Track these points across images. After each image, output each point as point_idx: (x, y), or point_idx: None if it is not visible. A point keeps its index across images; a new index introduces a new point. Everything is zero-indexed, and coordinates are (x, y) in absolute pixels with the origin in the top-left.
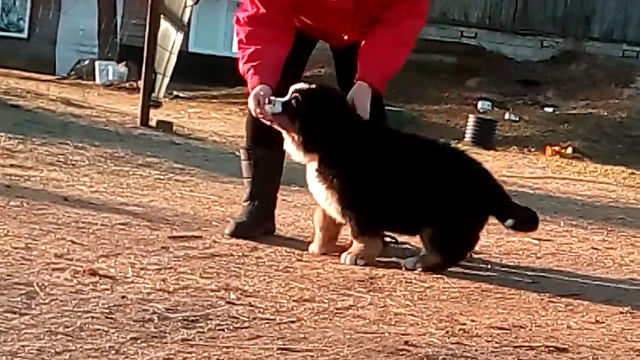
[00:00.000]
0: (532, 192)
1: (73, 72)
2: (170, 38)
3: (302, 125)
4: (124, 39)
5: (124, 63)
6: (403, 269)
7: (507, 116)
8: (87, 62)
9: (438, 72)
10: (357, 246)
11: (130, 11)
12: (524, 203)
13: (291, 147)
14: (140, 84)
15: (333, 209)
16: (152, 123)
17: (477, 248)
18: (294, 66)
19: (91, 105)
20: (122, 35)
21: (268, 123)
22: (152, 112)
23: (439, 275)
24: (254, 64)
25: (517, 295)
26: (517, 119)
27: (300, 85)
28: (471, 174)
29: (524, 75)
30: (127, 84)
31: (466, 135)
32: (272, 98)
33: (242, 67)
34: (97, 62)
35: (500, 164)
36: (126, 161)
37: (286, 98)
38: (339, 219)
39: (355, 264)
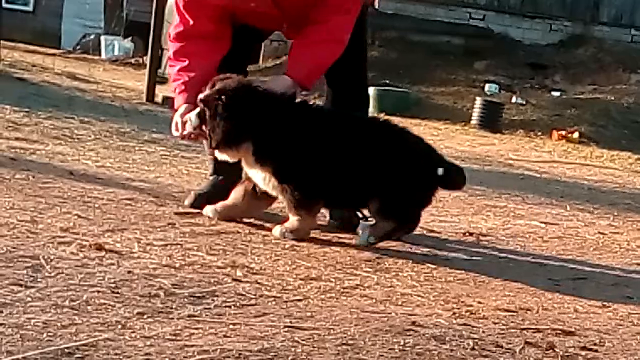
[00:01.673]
0: (538, 175)
1: (79, 47)
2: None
3: (224, 125)
4: (130, 14)
5: (129, 38)
6: (356, 241)
7: (514, 99)
8: (92, 36)
9: (446, 54)
10: (290, 220)
11: None
12: (530, 187)
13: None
14: (146, 59)
15: (272, 188)
16: (158, 99)
17: (484, 230)
18: (238, 59)
19: (97, 80)
20: (129, 10)
21: (197, 140)
22: (158, 88)
23: (445, 257)
24: (180, 81)
25: (524, 278)
26: (524, 102)
27: (204, 93)
28: (404, 140)
29: (531, 58)
30: (132, 60)
31: (472, 118)
32: (186, 116)
33: (171, 86)
34: (102, 37)
35: (506, 147)
36: (132, 137)
37: (198, 110)
38: (280, 197)
39: (284, 237)
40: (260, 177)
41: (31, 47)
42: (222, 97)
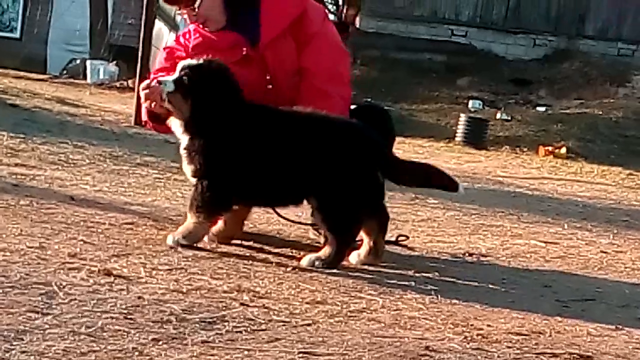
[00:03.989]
0: (530, 193)
1: (65, 72)
2: (163, 38)
3: (193, 102)
4: (117, 39)
5: (114, 63)
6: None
7: (498, 115)
8: (78, 61)
9: (428, 71)
10: (185, 224)
11: (120, 11)
12: (523, 205)
13: (177, 124)
14: (133, 82)
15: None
16: None
17: (483, 251)
18: None
19: (85, 104)
20: (114, 35)
21: (160, 109)
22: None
23: (448, 278)
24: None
25: (530, 300)
26: (509, 118)
27: (188, 61)
28: (347, 135)
29: (515, 74)
30: (117, 83)
31: (457, 135)
32: (162, 78)
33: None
34: (88, 62)
35: (493, 164)
36: (124, 160)
37: (176, 75)
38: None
39: (178, 245)
40: (187, 170)
41: (20, 73)
42: (205, 71)
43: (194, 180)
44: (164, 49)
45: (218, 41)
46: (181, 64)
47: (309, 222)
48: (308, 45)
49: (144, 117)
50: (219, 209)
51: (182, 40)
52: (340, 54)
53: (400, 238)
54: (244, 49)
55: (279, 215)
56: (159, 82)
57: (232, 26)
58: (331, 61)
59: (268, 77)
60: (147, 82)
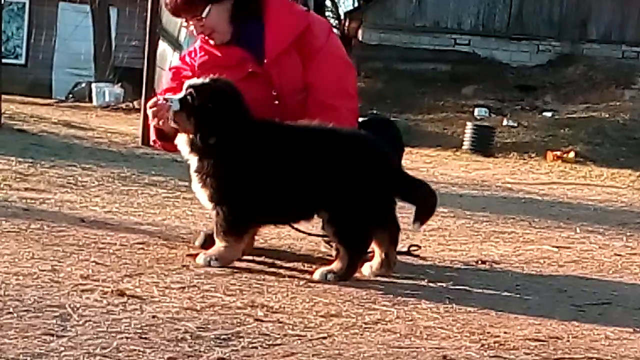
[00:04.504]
0: (540, 198)
1: (71, 95)
2: (167, 58)
3: (197, 122)
4: (121, 61)
5: (119, 84)
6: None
7: (505, 122)
8: (84, 84)
9: (432, 81)
10: (216, 246)
11: (124, 34)
12: (534, 210)
13: (183, 144)
14: (138, 103)
15: (209, 207)
16: None
17: (496, 258)
18: None
19: (91, 127)
20: (118, 57)
21: (168, 127)
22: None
23: (462, 286)
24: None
25: (546, 305)
26: (516, 124)
27: (194, 80)
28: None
29: (520, 80)
30: (123, 105)
31: (464, 143)
32: (168, 96)
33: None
34: (93, 85)
35: (502, 171)
36: (133, 181)
37: (181, 94)
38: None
39: (209, 265)
40: (201, 194)
41: (26, 99)
42: (211, 92)
43: (209, 205)
44: (170, 69)
45: (224, 58)
46: (187, 83)
47: (321, 233)
48: (313, 60)
49: (152, 136)
50: (245, 229)
51: (187, 59)
52: (346, 67)
53: (412, 248)
54: (250, 65)
55: (292, 227)
56: (166, 100)
57: (237, 41)
58: (337, 75)
59: (275, 94)
60: (154, 100)
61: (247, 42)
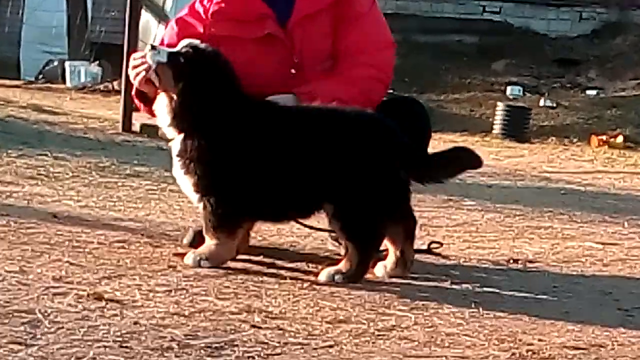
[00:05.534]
0: (582, 189)
1: (41, 76)
2: (151, 31)
3: (184, 85)
4: (98, 36)
5: (96, 63)
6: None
7: (542, 102)
8: (56, 63)
9: (458, 55)
10: (206, 244)
11: (100, 2)
12: (575, 203)
13: (162, 111)
14: (119, 84)
15: (195, 198)
16: (136, 128)
17: (530, 256)
18: None
19: (65, 111)
20: (94, 31)
21: (148, 84)
22: (134, 116)
23: (490, 289)
24: None
25: (587, 309)
26: (555, 105)
27: (195, 41)
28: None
29: (560, 53)
30: (101, 86)
31: (494, 127)
32: (156, 45)
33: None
34: (67, 63)
35: (538, 159)
36: (112, 171)
37: (175, 49)
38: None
39: (199, 265)
40: (183, 181)
41: None
42: (209, 59)
43: (195, 197)
44: (176, 20)
45: (242, 11)
46: (185, 41)
47: (328, 228)
48: (351, 25)
49: (133, 92)
50: (238, 224)
51: (198, 6)
52: (386, 40)
53: (433, 245)
54: (270, 25)
55: (296, 221)
56: (153, 47)
57: None
58: (375, 47)
59: (296, 60)
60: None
61: None
